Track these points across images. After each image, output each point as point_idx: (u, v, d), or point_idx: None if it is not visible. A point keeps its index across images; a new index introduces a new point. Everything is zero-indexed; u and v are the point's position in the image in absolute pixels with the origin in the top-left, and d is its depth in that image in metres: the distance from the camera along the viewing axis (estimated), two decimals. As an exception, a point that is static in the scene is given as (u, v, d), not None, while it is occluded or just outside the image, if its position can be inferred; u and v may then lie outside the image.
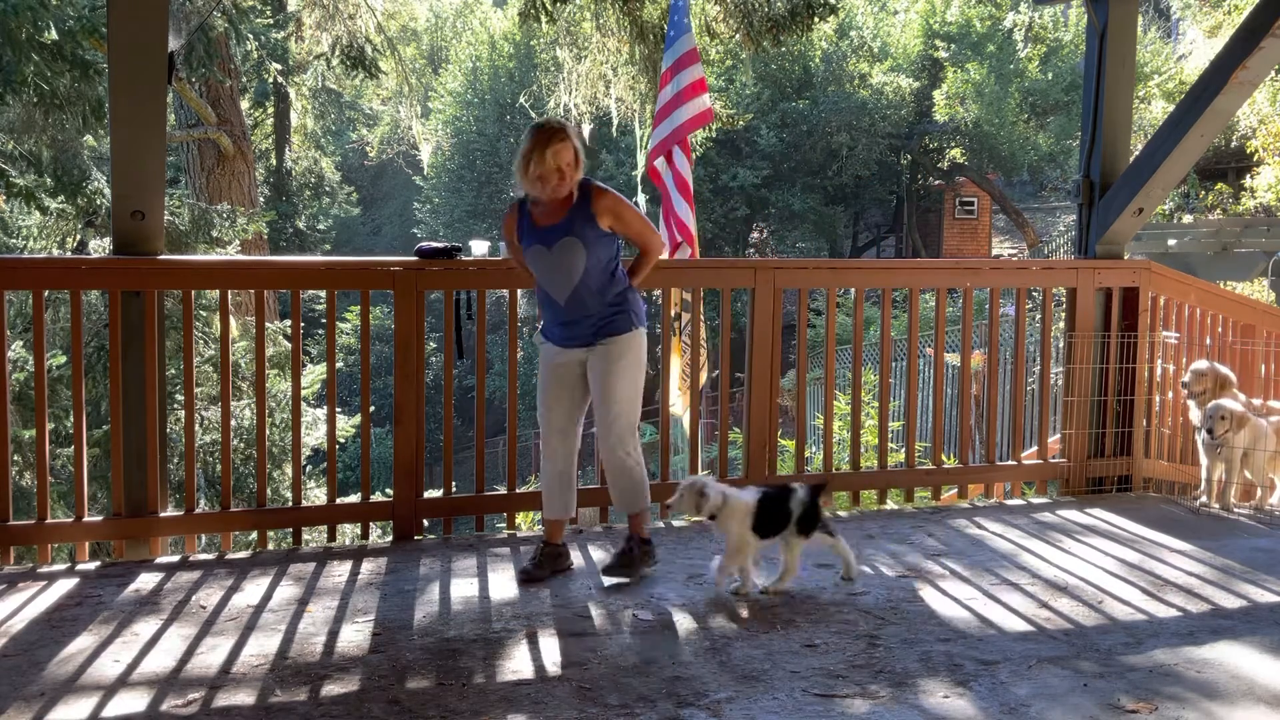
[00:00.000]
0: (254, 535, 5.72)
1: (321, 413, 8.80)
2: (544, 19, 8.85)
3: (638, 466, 3.94)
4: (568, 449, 4.00)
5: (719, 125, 14.79)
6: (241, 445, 8.03)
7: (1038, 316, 8.86)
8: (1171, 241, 13.54)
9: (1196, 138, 4.93)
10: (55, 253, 7.99)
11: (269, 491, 6.81)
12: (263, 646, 3.26)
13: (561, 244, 3.76)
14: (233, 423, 7.37)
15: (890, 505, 5.34)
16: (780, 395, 5.19)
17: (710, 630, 3.39)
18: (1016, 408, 5.83)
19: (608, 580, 3.89)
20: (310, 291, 4.86)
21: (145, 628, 3.43)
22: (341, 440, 11.66)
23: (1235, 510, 5.04)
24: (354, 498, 5.38)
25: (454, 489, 4.77)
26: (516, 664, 3.13)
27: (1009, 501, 5.33)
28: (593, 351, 3.89)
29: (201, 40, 9.73)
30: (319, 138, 26.05)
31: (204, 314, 7.90)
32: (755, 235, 26.26)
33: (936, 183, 26.91)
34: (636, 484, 3.95)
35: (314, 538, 5.67)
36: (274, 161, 22.84)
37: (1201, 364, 5.17)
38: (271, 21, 15.85)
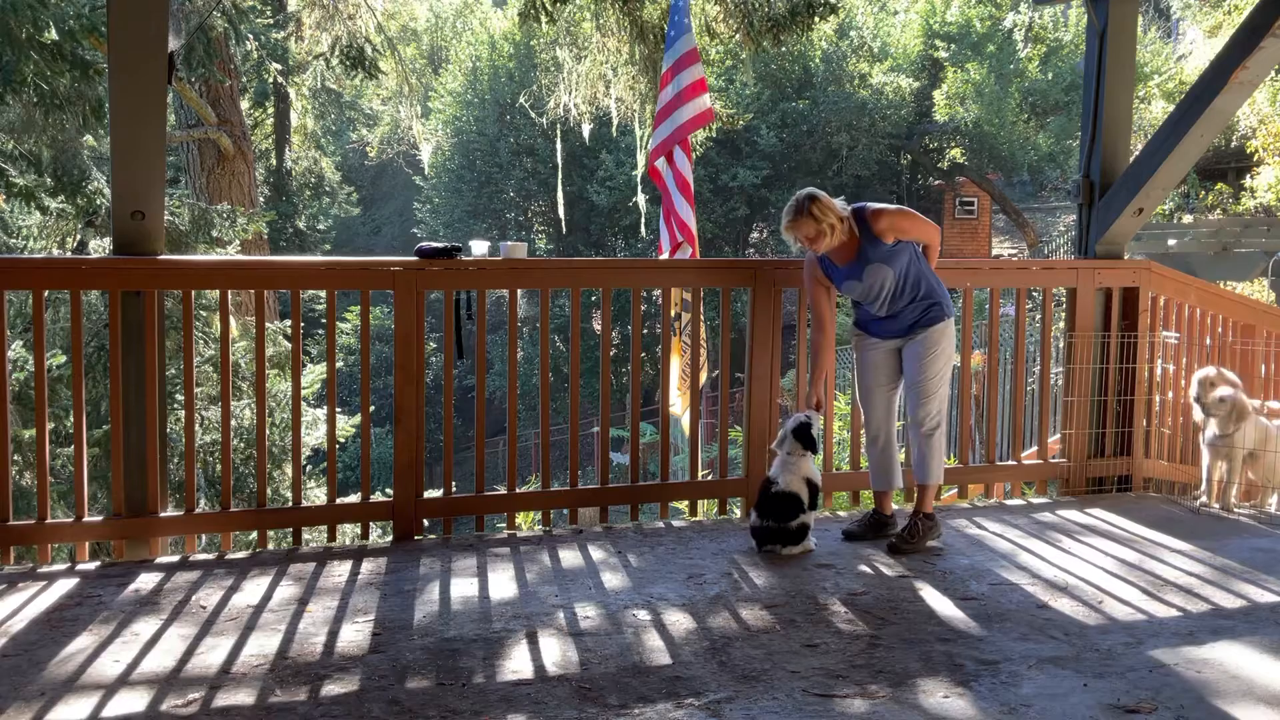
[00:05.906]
0: (254, 535, 5.72)
1: (321, 413, 8.79)
2: (544, 19, 8.85)
3: (940, 443, 4.34)
4: (888, 428, 4.49)
5: (719, 125, 14.81)
6: (241, 445, 8.02)
7: (1038, 316, 8.86)
8: (1171, 241, 13.56)
9: (1196, 138, 4.93)
10: (55, 253, 7.97)
11: (269, 491, 6.81)
12: (263, 646, 3.26)
13: (869, 270, 4.28)
14: (233, 423, 7.38)
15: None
16: (780, 395, 5.18)
17: (710, 630, 3.39)
18: (1016, 408, 5.83)
19: (893, 558, 4.19)
20: (310, 291, 4.86)
21: (145, 628, 3.43)
22: (341, 440, 11.68)
23: (1235, 510, 5.04)
24: (354, 498, 5.38)
25: (454, 489, 4.77)
26: (516, 664, 3.13)
27: (1009, 501, 5.33)
28: (909, 339, 4.35)
29: (201, 40, 9.72)
30: (319, 138, 26.04)
31: (204, 314, 7.89)
32: (755, 235, 26.25)
33: (936, 183, 26.91)
34: (935, 459, 4.33)
35: (314, 538, 5.68)
36: (274, 161, 22.83)
37: (1226, 390, 4.99)
38: (271, 21, 15.84)
